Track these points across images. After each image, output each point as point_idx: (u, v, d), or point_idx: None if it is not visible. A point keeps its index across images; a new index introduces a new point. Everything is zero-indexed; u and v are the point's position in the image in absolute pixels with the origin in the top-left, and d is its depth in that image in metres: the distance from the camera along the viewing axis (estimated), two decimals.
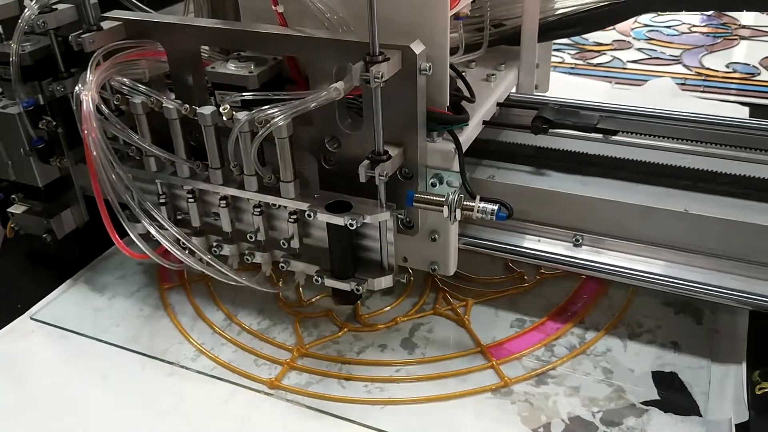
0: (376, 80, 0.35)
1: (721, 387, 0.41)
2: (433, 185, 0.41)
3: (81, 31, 0.42)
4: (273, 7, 0.41)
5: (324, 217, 0.39)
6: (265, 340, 0.46)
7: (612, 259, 0.44)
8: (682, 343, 0.44)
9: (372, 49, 0.35)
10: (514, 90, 0.54)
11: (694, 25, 1.01)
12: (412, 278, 0.47)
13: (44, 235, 0.52)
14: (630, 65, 0.89)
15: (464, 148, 0.41)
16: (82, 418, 0.41)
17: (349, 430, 0.40)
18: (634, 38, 0.97)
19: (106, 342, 0.47)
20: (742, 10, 0.75)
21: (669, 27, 1.00)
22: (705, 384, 0.41)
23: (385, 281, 0.41)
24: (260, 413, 0.41)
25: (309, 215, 0.39)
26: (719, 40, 0.96)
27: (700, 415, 0.39)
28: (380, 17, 0.35)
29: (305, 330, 0.47)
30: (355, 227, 0.38)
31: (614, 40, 0.97)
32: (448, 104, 0.41)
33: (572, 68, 0.89)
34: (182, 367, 0.44)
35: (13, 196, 0.52)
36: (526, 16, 0.51)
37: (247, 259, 0.44)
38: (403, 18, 0.38)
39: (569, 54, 0.93)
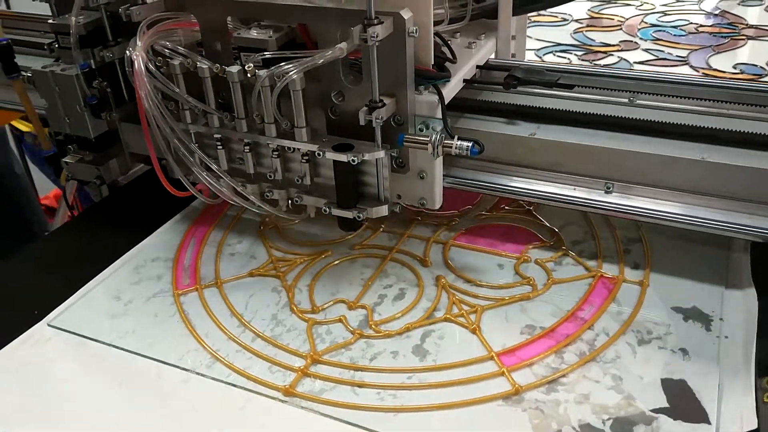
0: (372, 39, 0.43)
1: (730, 394, 0.42)
2: (421, 130, 0.48)
3: (129, 4, 0.50)
4: None
5: (331, 156, 0.48)
6: (279, 347, 0.47)
7: (640, 203, 0.51)
8: (690, 349, 0.45)
9: (369, 14, 0.43)
10: (493, 56, 0.61)
11: (701, 25, 1.01)
12: (405, 208, 0.52)
13: (94, 180, 0.60)
14: (637, 66, 0.89)
15: (446, 101, 0.49)
16: (98, 424, 0.42)
17: None
18: (641, 38, 0.97)
19: (122, 349, 0.48)
20: None
21: (676, 27, 1.00)
22: (714, 391, 0.42)
23: (382, 210, 0.50)
24: (276, 420, 0.42)
25: (319, 154, 0.48)
26: (726, 41, 0.95)
27: (709, 423, 0.40)
28: None
29: (318, 337, 0.48)
30: (356, 163, 0.47)
31: (621, 41, 0.97)
32: (432, 63, 0.49)
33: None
34: (198, 374, 0.45)
35: (69, 147, 0.60)
36: None
37: (267, 195, 0.52)
38: None
39: (576, 55, 0.93)
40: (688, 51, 0.93)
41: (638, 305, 0.49)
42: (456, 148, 0.47)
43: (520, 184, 0.55)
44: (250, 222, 0.61)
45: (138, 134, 0.57)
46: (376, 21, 0.43)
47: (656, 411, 0.41)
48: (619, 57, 0.92)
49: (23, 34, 0.76)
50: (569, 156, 0.54)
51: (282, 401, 0.43)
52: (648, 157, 0.52)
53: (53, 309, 0.51)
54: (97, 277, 0.55)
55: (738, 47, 0.93)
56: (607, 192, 0.53)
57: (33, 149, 1.17)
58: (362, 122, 0.46)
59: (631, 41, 0.97)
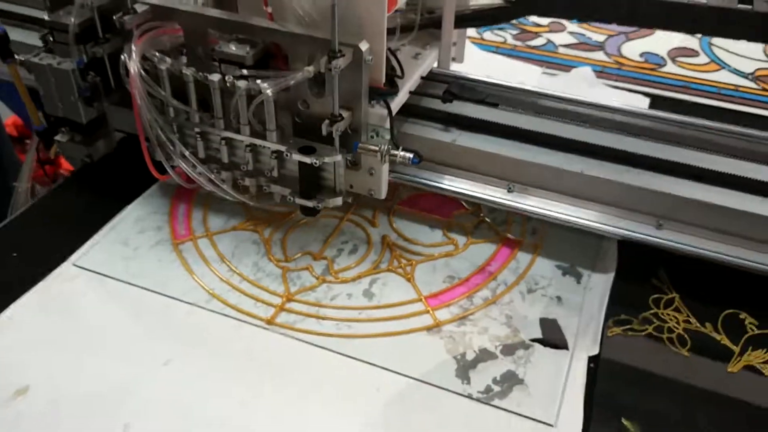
0: (335, 70, 0.53)
1: (585, 330, 0.59)
2: (371, 137, 0.60)
3: (122, 13, 0.59)
4: (264, 7, 0.58)
5: (297, 157, 0.58)
6: (261, 287, 0.61)
7: (534, 202, 0.65)
8: (564, 297, 0.62)
9: (333, 47, 0.53)
10: (435, 65, 0.73)
11: None
12: (355, 200, 0.67)
13: (84, 158, 0.71)
14: (561, 50, 1.03)
15: (394, 112, 0.60)
16: (122, 346, 0.55)
17: (325, 356, 0.55)
18: (568, 21, 1.11)
19: (136, 285, 0.61)
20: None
21: None
22: (575, 327, 0.59)
23: (337, 201, 0.61)
24: (262, 342, 0.56)
25: (286, 155, 0.58)
26: (639, 28, 1.10)
27: (567, 349, 0.57)
28: (338, 18, 0.52)
29: (291, 281, 0.62)
30: (318, 165, 0.57)
31: (551, 22, 1.10)
32: (384, 81, 0.59)
33: (512, 49, 1.03)
34: (199, 307, 0.59)
35: (62, 129, 0.70)
36: (446, 9, 0.69)
37: (239, 182, 0.63)
38: (355, 19, 0.56)
39: (511, 34, 1.07)
40: (606, 36, 1.07)
41: (531, 263, 0.65)
42: (400, 157, 0.59)
43: (446, 181, 0.67)
44: None
45: (122, 114, 0.68)
46: (339, 54, 0.53)
47: (533, 340, 0.57)
48: (546, 38, 1.06)
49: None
50: (481, 160, 0.66)
51: (265, 329, 0.57)
52: (541, 167, 0.64)
53: (74, 252, 0.64)
54: (106, 225, 0.67)
55: (647, 35, 1.08)
56: (509, 191, 0.65)
57: None
58: (324, 133, 0.56)
59: (560, 23, 1.10)
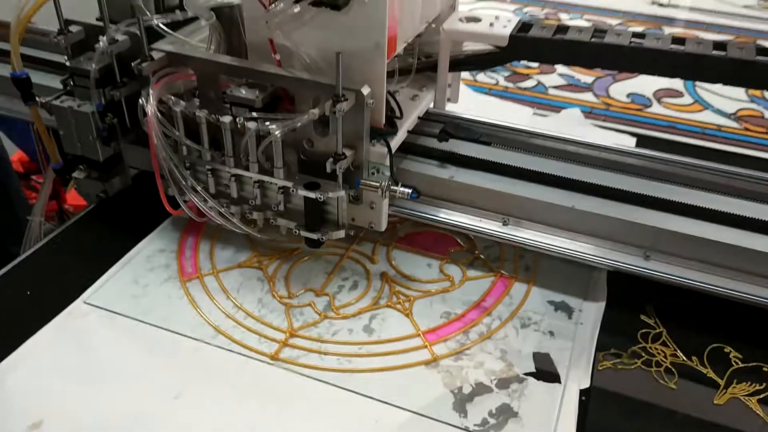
0: (339, 113, 0.57)
1: (577, 364, 0.61)
2: (373, 174, 0.64)
3: (139, 60, 0.63)
4: (273, 55, 0.62)
5: (302, 192, 0.62)
6: (265, 324, 0.64)
7: (528, 235, 0.69)
8: (556, 332, 0.64)
9: (337, 91, 0.57)
10: (431, 106, 0.77)
11: None
12: (361, 234, 0.72)
13: (100, 194, 0.74)
14: (551, 91, 1.07)
15: (393, 150, 0.64)
16: (134, 382, 0.58)
17: (327, 389, 0.58)
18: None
19: (146, 323, 0.63)
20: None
21: None
22: (567, 361, 0.62)
23: (340, 233, 0.65)
24: (266, 376, 0.59)
25: (292, 191, 0.62)
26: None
27: (560, 382, 0.60)
28: (342, 65, 0.56)
29: (293, 317, 0.65)
30: (322, 200, 0.61)
31: (540, 64, 1.15)
32: (384, 122, 0.64)
33: (504, 91, 1.07)
34: (206, 342, 0.61)
35: (79, 166, 0.73)
36: (441, 54, 0.74)
37: (248, 216, 0.68)
38: (357, 65, 0.60)
39: (503, 76, 1.11)
40: (594, 78, 1.12)
41: (524, 298, 0.68)
42: (399, 192, 0.63)
43: (443, 214, 0.71)
44: None
45: (137, 152, 0.72)
46: (342, 98, 0.57)
47: (527, 374, 0.60)
48: (537, 80, 1.10)
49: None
50: (478, 196, 0.70)
51: (270, 364, 0.60)
52: (534, 202, 0.68)
53: (85, 290, 0.66)
54: (117, 263, 0.70)
55: (634, 77, 1.13)
56: (504, 224, 0.70)
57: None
58: (328, 170, 0.60)
59: (550, 66, 1.15)
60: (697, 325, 0.65)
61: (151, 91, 0.63)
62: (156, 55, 0.64)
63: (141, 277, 0.68)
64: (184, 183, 0.67)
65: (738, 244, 0.63)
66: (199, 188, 0.67)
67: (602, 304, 0.66)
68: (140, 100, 0.64)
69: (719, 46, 0.66)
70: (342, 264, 0.71)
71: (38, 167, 1.55)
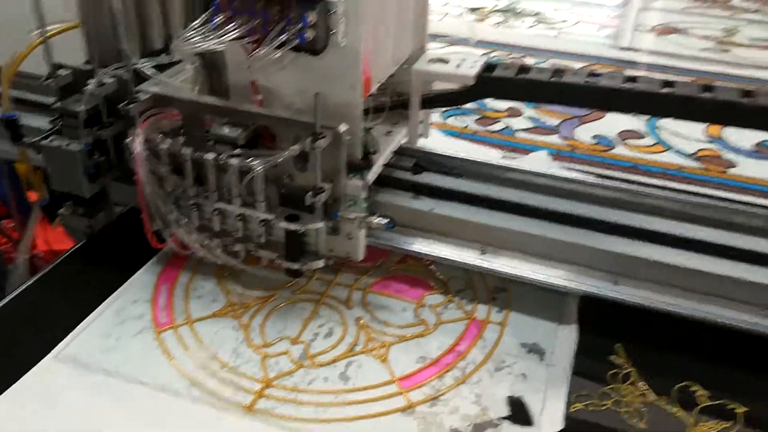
0: (317, 149, 0.61)
1: (551, 406, 0.62)
2: (350, 206, 0.67)
3: (127, 101, 0.67)
4: (253, 96, 0.66)
5: (283, 225, 0.65)
6: (240, 374, 0.64)
7: (504, 263, 0.73)
8: (528, 374, 0.65)
9: (316, 129, 0.61)
10: (405, 141, 0.82)
11: None
12: (335, 279, 0.74)
13: (85, 229, 0.76)
14: (519, 134, 1.10)
15: (369, 183, 0.67)
16: None
17: None
18: (525, 106, 1.19)
19: (119, 376, 0.63)
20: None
21: None
22: (540, 403, 0.62)
23: (319, 263, 0.68)
24: (242, 428, 0.58)
25: (273, 223, 0.65)
26: (591, 111, 1.18)
27: (533, 425, 0.60)
28: (320, 104, 0.60)
29: (269, 366, 0.65)
30: (302, 231, 0.64)
31: (508, 107, 1.18)
32: (360, 156, 0.67)
33: (474, 134, 1.10)
34: (181, 395, 0.61)
35: (66, 203, 0.76)
36: (413, 93, 0.78)
37: (230, 248, 0.70)
38: (335, 105, 0.64)
39: (472, 119, 1.14)
40: (560, 120, 1.15)
41: (497, 341, 0.69)
42: (375, 223, 0.66)
43: (420, 245, 0.75)
44: (211, 265, 0.76)
45: (122, 189, 0.75)
46: (321, 135, 0.61)
47: (501, 419, 0.61)
48: (505, 123, 1.13)
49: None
50: (456, 227, 0.75)
51: (245, 415, 0.60)
52: (510, 231, 0.74)
53: (57, 344, 0.66)
54: (89, 316, 0.69)
55: (599, 119, 1.16)
56: (482, 254, 0.74)
57: None
58: (308, 203, 0.64)
59: (517, 108, 1.18)
60: (666, 362, 0.66)
61: (138, 131, 0.65)
62: (142, 96, 0.67)
63: (114, 330, 0.68)
64: (169, 217, 0.69)
65: (703, 269, 0.68)
66: (183, 222, 0.69)
67: (573, 345, 0.68)
68: (127, 140, 0.66)
69: (668, 84, 0.71)
70: (317, 310, 0.72)
71: (7, 211, 1.54)
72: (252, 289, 0.74)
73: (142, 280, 0.75)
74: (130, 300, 0.72)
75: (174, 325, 0.69)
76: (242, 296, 0.73)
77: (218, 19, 0.63)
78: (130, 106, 0.66)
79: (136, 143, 0.65)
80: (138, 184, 0.67)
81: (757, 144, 1.07)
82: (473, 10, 1.68)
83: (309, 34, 0.60)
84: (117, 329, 0.68)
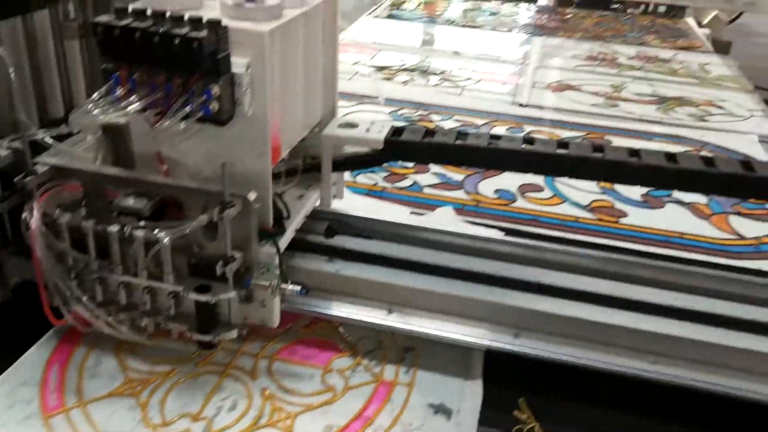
0: (226, 218, 0.60)
1: None
2: (263, 273, 0.66)
3: (24, 174, 0.63)
4: (159, 166, 0.65)
5: (193, 296, 0.63)
6: None
7: (412, 322, 0.75)
8: None
9: (224, 198, 0.60)
10: (318, 204, 0.83)
11: None
12: (245, 332, 0.71)
13: None
14: (426, 190, 1.13)
15: (282, 249, 0.67)
16: None
17: None
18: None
19: None
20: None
21: None
22: None
23: (233, 334, 0.66)
24: None
25: (183, 295, 0.63)
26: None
27: None
28: (228, 173, 0.60)
29: None
30: (213, 302, 0.62)
31: (416, 164, 1.22)
32: (272, 223, 0.67)
33: (382, 191, 1.12)
34: None
35: None
36: (324, 156, 0.80)
37: (137, 323, 0.67)
38: (244, 172, 0.64)
39: (381, 176, 1.16)
40: (464, 176, 1.19)
41: (405, 403, 0.69)
42: (289, 290, 0.66)
43: (328, 308, 0.76)
44: (109, 339, 0.73)
45: (19, 263, 0.72)
46: (230, 204, 0.61)
47: None
48: (413, 180, 1.16)
49: None
50: (364, 287, 0.76)
51: None
52: (415, 290, 0.76)
53: None
54: None
55: (500, 174, 1.21)
56: (389, 313, 0.75)
57: None
58: (218, 273, 0.63)
59: (424, 165, 1.22)
60: (568, 416, 0.68)
61: (35, 205, 0.62)
62: (40, 168, 0.64)
63: (2, 416, 0.63)
64: (69, 294, 0.65)
65: (598, 320, 0.72)
66: (84, 298, 0.66)
67: (478, 402, 0.69)
68: (24, 215, 0.63)
69: (562, 145, 0.77)
70: (221, 383, 0.70)
71: None
72: (153, 363, 0.71)
73: (33, 358, 0.71)
74: (19, 382, 0.68)
75: (65, 408, 0.65)
76: (142, 372, 0.70)
77: (119, 91, 0.61)
78: (27, 179, 0.63)
79: (32, 219, 0.62)
80: (34, 260, 0.64)
81: (643, 195, 1.15)
82: (381, 68, 1.74)
83: (214, 106, 0.60)
84: (5, 415, 0.63)
